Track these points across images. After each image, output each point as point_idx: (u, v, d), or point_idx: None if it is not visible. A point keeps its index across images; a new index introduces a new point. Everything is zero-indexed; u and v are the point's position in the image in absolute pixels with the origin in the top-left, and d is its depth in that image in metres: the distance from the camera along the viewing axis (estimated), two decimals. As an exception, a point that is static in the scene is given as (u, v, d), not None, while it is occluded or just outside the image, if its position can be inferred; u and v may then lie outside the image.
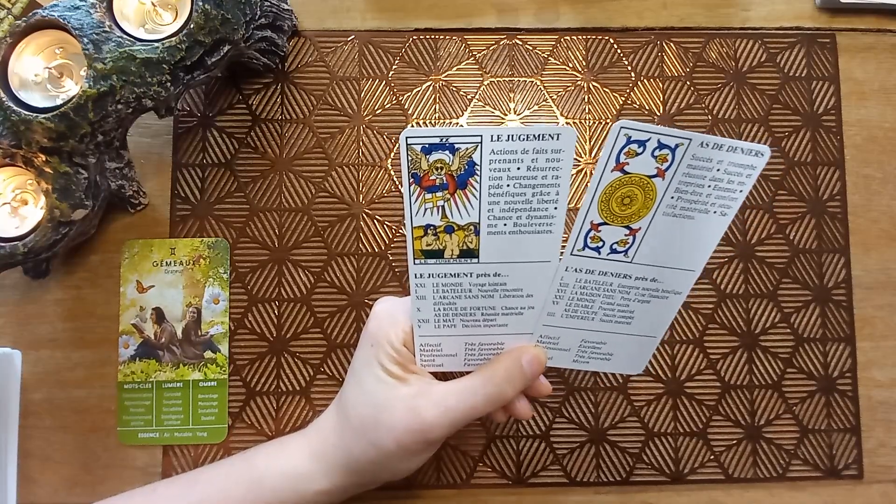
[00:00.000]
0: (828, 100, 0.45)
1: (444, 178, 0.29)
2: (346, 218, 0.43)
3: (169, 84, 0.36)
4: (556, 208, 0.30)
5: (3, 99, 0.35)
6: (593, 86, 0.45)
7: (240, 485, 0.33)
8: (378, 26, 0.45)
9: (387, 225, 0.43)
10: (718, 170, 0.28)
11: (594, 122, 0.44)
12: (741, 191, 0.29)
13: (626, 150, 0.27)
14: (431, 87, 0.45)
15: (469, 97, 0.44)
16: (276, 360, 0.42)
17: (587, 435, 0.42)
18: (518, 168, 0.29)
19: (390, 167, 0.44)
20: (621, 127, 0.27)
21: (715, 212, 0.30)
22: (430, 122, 0.44)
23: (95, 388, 0.42)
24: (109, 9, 0.36)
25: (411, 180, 0.29)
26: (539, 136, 0.28)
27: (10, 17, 0.41)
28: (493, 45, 0.45)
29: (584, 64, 0.45)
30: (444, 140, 0.28)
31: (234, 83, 0.44)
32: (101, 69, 0.34)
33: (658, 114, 0.44)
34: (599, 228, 0.30)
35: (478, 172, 0.29)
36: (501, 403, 0.33)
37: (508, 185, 0.29)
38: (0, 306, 0.42)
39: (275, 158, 0.44)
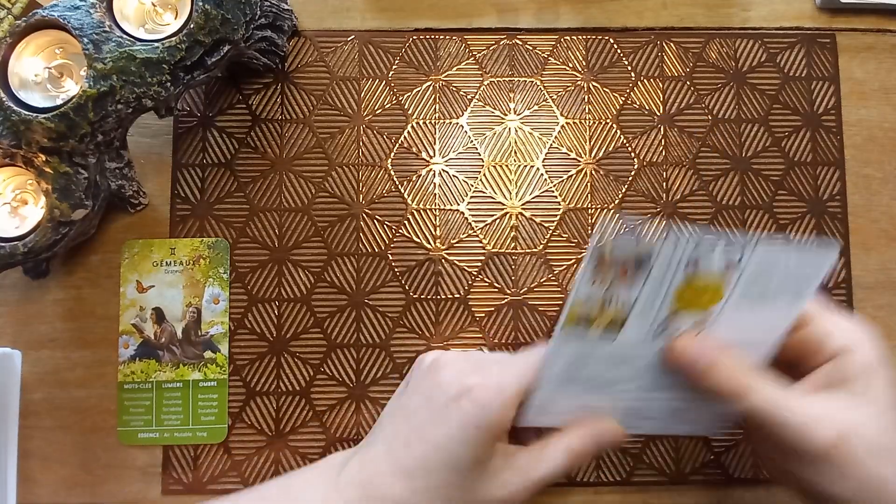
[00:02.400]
0: (828, 100, 0.45)
1: (619, 269, 0.29)
2: (346, 218, 0.43)
3: (169, 84, 0.36)
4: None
5: (3, 99, 0.35)
6: (593, 86, 0.45)
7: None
8: (378, 26, 0.45)
9: (387, 225, 0.43)
10: (787, 266, 0.30)
11: (594, 122, 0.44)
12: (812, 285, 0.30)
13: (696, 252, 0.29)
14: (431, 87, 0.45)
15: (469, 97, 0.44)
16: (276, 360, 0.42)
17: (587, 435, 0.42)
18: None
19: (390, 167, 0.44)
20: (697, 242, 0.29)
21: (785, 301, 0.31)
22: (430, 122, 0.44)
23: (95, 388, 0.42)
24: (109, 9, 0.36)
25: (596, 260, 0.29)
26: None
27: (10, 17, 0.41)
28: (493, 45, 0.45)
29: (584, 64, 0.45)
30: (643, 255, 0.29)
31: (234, 83, 0.44)
32: (101, 69, 0.34)
33: (658, 114, 0.44)
34: (675, 314, 0.31)
35: (649, 267, 0.29)
36: (570, 471, 0.37)
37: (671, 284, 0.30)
38: (0, 306, 0.42)
39: (275, 158, 0.44)
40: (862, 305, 0.43)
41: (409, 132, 0.44)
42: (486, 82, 0.45)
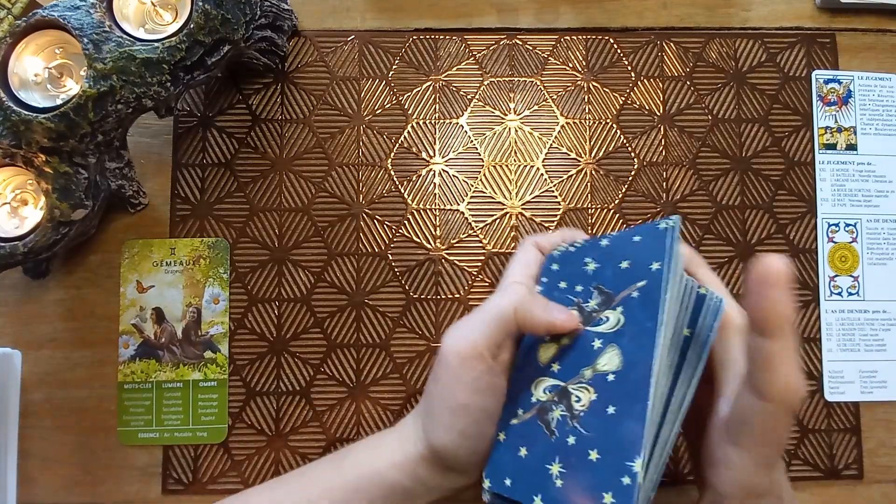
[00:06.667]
0: (828, 100, 0.45)
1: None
2: (346, 218, 0.43)
3: (169, 84, 0.36)
4: None
5: (3, 99, 0.35)
6: (593, 86, 0.45)
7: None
8: (378, 26, 0.45)
9: (387, 225, 0.43)
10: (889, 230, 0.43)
11: (594, 122, 0.44)
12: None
13: (830, 229, 0.43)
14: (431, 87, 0.45)
15: (469, 97, 0.44)
16: (276, 360, 0.42)
17: (587, 435, 0.42)
18: None
19: (390, 167, 0.44)
20: (822, 217, 0.43)
21: None
22: (430, 122, 0.44)
23: (95, 388, 0.42)
24: (109, 9, 0.36)
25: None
26: None
27: (10, 17, 0.41)
28: (493, 45, 0.45)
29: (584, 64, 0.45)
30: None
31: (234, 83, 0.44)
32: (101, 69, 0.34)
33: (658, 114, 0.44)
34: (835, 280, 0.43)
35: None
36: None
37: None
38: (0, 306, 0.42)
39: (275, 158, 0.44)
40: (862, 305, 0.43)
41: (409, 132, 0.44)
42: (486, 82, 0.45)
